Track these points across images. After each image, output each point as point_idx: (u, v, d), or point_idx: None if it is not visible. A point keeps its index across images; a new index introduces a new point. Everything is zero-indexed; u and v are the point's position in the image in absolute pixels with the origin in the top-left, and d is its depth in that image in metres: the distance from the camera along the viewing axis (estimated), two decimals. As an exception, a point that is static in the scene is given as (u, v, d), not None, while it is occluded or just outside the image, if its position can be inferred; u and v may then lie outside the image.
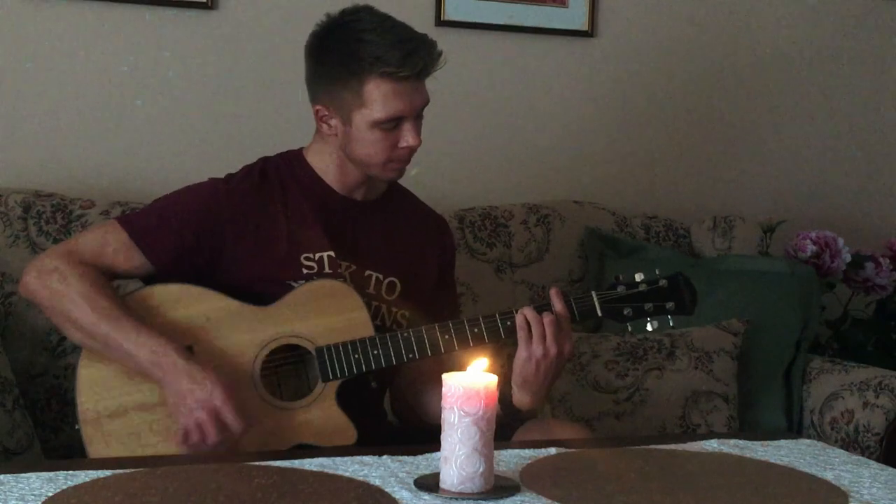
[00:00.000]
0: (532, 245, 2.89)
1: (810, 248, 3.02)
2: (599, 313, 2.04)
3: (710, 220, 3.05)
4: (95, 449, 1.97)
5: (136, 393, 1.98)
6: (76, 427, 1.99)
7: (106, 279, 2.02)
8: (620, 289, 2.04)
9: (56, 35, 2.76)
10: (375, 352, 2.01)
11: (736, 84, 3.36)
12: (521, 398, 2.02)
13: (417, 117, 2.08)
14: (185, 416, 1.91)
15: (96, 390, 1.99)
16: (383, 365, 2.02)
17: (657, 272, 2.06)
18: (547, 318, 1.98)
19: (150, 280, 2.07)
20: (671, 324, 2.07)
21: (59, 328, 2.06)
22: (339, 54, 2.04)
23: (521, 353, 1.98)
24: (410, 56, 2.01)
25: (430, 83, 2.10)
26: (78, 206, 2.54)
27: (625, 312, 2.04)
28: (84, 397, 1.99)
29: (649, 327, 2.06)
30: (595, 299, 2.03)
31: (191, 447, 1.92)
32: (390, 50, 2.00)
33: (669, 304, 2.05)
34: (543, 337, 1.97)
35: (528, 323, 1.98)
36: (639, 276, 2.05)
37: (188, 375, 1.91)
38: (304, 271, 2.07)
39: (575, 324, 2.04)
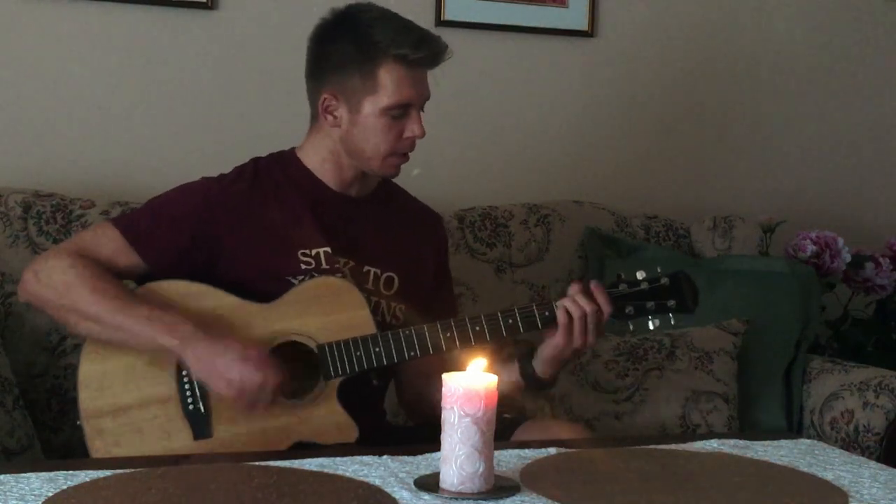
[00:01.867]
0: (532, 245, 2.89)
1: (810, 248, 3.02)
2: None
3: (710, 220, 3.05)
4: (96, 445, 1.97)
5: (136, 390, 1.98)
6: (77, 423, 1.99)
7: (104, 268, 2.02)
8: (622, 287, 2.04)
9: (56, 35, 2.76)
10: (377, 349, 2.01)
11: (736, 84, 3.36)
12: (543, 370, 2.07)
13: (420, 109, 2.10)
14: (226, 376, 1.92)
15: (98, 386, 1.99)
16: (385, 363, 2.02)
17: (659, 270, 2.06)
18: (590, 308, 2.00)
19: (144, 279, 2.07)
20: (672, 322, 2.07)
21: (66, 323, 2.04)
22: (351, 41, 2.07)
23: (559, 341, 2.01)
24: (424, 42, 2.06)
25: (430, 83, 2.12)
26: (78, 206, 2.54)
27: (626, 311, 2.04)
28: (85, 393, 1.99)
29: (651, 325, 2.06)
30: None
31: (252, 398, 1.94)
32: (404, 34, 2.05)
33: (671, 303, 2.05)
34: (584, 332, 2.00)
35: (568, 314, 2.00)
36: (640, 275, 2.05)
37: (208, 340, 1.93)
38: (303, 266, 2.08)
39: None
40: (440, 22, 3.00)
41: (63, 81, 2.77)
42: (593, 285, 2.03)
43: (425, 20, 2.92)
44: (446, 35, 2.14)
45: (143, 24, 2.81)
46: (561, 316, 2.00)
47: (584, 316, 2.00)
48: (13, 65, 2.74)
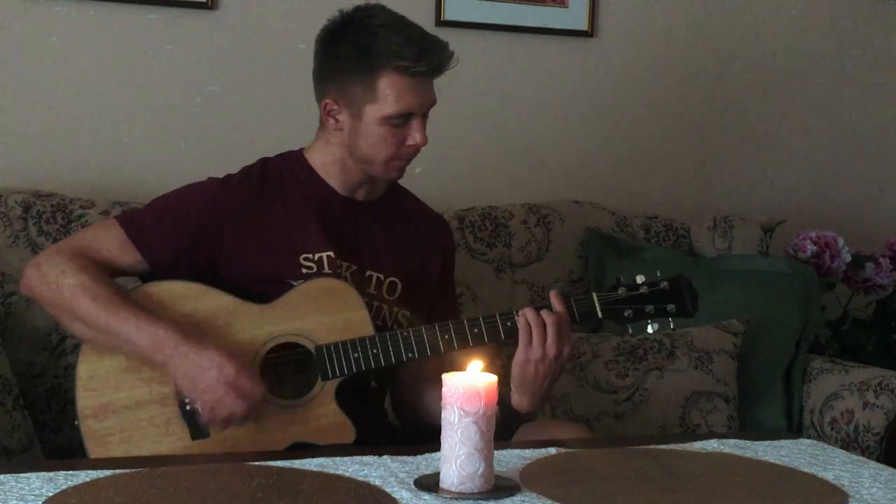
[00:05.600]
0: (532, 245, 2.89)
1: (810, 248, 3.02)
2: (600, 314, 2.03)
3: (710, 220, 3.05)
4: (94, 445, 1.97)
5: (134, 389, 1.99)
6: (76, 423, 2.00)
7: (104, 272, 2.03)
8: (621, 290, 2.04)
9: (56, 35, 2.76)
10: (375, 351, 2.01)
11: (736, 84, 3.36)
12: (519, 400, 2.02)
13: (424, 117, 2.09)
14: (205, 396, 1.92)
15: (95, 386, 1.99)
16: (383, 364, 2.01)
17: (658, 274, 2.06)
18: (549, 320, 1.97)
19: (148, 278, 2.07)
20: (672, 326, 2.07)
21: (60, 322, 2.06)
22: (354, 47, 2.05)
23: (520, 355, 1.98)
24: (425, 53, 2.03)
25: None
26: (78, 206, 2.54)
27: (625, 314, 2.04)
28: (83, 393, 1.99)
29: (650, 329, 2.05)
30: (595, 300, 2.03)
31: (222, 424, 1.93)
32: (406, 46, 2.03)
33: (670, 307, 2.04)
34: (543, 339, 1.97)
35: (528, 324, 1.98)
36: (640, 278, 2.04)
37: (193, 355, 1.92)
38: (304, 271, 2.07)
39: (575, 325, 2.04)
40: (440, 22, 3.00)
41: (63, 81, 2.77)
42: (553, 294, 2.01)
43: (425, 20, 2.92)
44: (446, 35, 2.13)
45: (143, 24, 2.81)
46: (521, 321, 1.98)
47: (540, 324, 1.96)
48: (13, 65, 2.74)
